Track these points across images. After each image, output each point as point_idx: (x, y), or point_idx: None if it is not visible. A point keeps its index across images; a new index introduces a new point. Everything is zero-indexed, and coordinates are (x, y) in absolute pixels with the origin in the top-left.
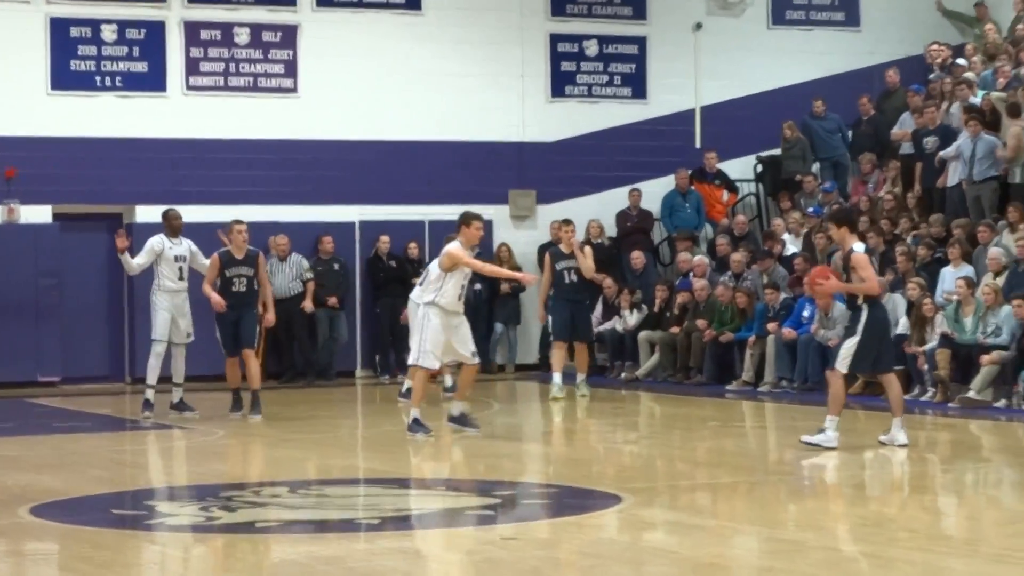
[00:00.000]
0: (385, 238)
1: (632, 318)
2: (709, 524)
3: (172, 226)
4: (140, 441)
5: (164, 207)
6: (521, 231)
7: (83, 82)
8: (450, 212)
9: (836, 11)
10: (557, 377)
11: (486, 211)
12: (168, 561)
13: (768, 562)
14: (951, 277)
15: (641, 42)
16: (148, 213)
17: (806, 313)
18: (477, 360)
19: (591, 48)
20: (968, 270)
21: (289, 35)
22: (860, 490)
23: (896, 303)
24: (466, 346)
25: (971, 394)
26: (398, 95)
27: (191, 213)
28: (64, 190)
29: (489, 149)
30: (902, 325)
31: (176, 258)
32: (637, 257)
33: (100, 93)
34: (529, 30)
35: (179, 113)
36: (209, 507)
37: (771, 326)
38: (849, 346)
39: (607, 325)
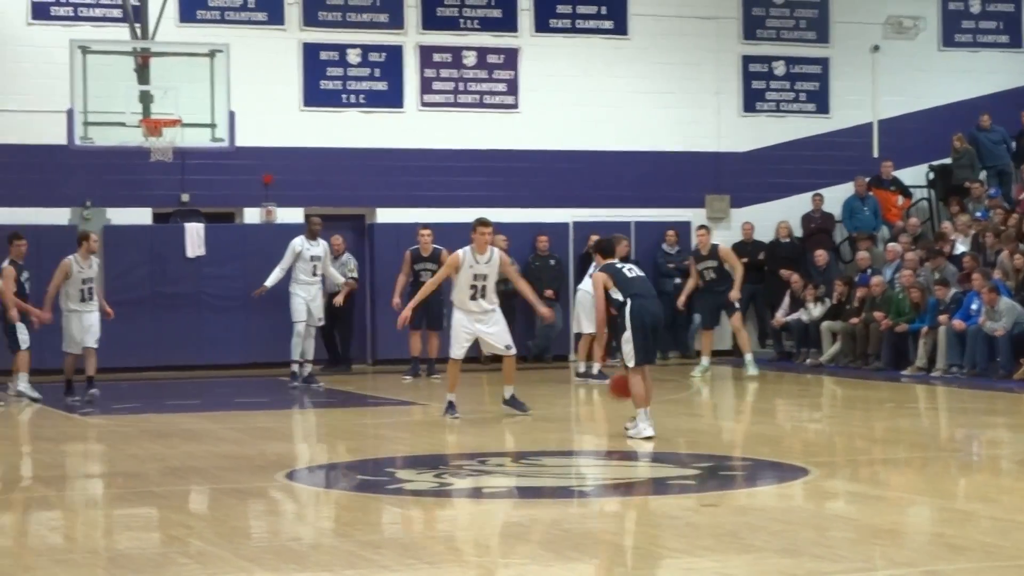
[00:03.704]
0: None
1: (816, 310)
2: (886, 495)
3: (312, 230)
4: (380, 415)
5: (402, 209)
6: (716, 232)
7: (331, 99)
8: (653, 215)
9: (1001, 34)
10: (705, 360)
11: (684, 214)
12: (407, 522)
13: (940, 529)
14: None
15: (824, 63)
16: (387, 215)
17: (974, 306)
18: (512, 352)
19: (779, 68)
20: None
21: (511, 57)
22: None
23: None
24: (499, 340)
25: None
26: (606, 110)
27: (424, 215)
28: (314, 194)
29: (687, 158)
30: None
31: (311, 258)
32: (820, 255)
33: (346, 109)
34: (723, 52)
35: (414, 127)
36: (442, 474)
37: (942, 318)
38: (625, 341)
39: (793, 316)
